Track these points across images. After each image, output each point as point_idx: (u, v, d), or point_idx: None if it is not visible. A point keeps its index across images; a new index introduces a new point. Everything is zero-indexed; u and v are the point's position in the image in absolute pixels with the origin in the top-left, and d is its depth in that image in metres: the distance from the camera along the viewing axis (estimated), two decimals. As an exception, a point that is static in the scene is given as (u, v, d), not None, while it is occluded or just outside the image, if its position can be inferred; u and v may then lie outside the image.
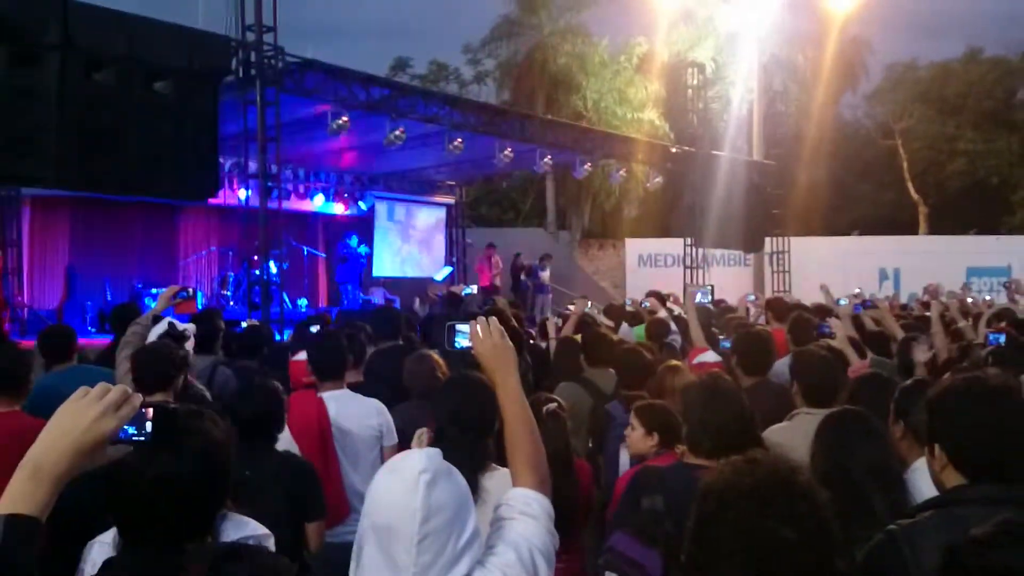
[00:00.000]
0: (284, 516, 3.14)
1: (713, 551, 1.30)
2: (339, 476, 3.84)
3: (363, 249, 16.04)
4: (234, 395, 3.46)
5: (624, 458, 3.98)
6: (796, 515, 1.29)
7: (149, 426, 1.51)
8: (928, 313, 6.79)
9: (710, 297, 7.72)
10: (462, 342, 2.15)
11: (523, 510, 1.83)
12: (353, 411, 4.05)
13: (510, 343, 2.07)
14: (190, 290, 4.90)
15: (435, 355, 4.36)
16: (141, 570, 1.65)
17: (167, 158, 7.75)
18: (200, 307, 11.97)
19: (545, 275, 16.78)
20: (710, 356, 5.18)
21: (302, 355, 4.51)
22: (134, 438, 1.50)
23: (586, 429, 4.71)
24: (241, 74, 9.47)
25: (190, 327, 4.45)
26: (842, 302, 6.94)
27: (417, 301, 15.66)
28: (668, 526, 2.29)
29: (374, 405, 4.11)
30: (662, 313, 7.24)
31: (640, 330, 6.86)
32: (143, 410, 1.51)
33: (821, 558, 1.29)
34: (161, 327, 4.23)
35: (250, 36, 9.56)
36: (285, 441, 3.50)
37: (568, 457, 3.35)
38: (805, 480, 1.36)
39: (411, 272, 17.56)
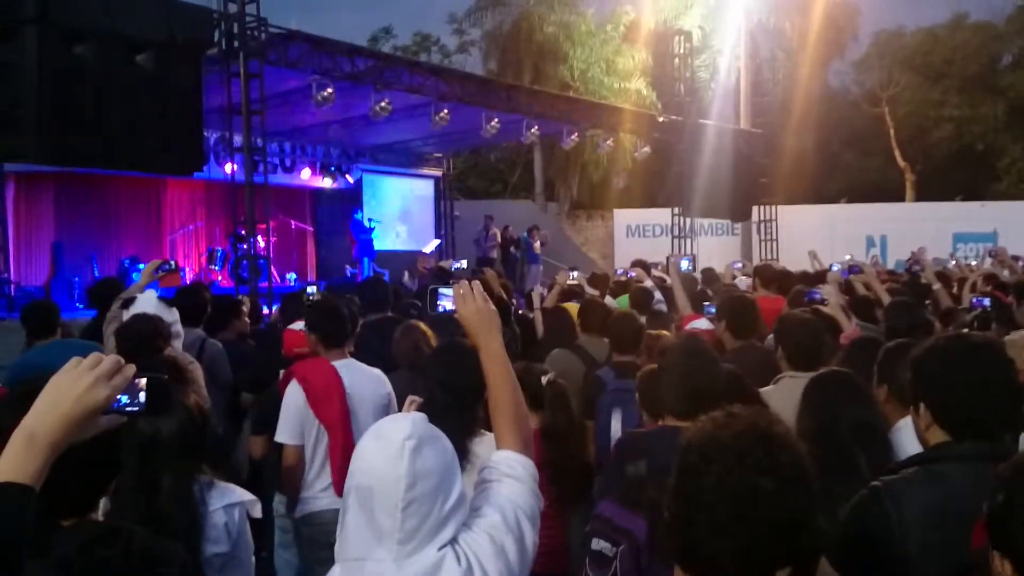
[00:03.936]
0: None
1: (693, 504, 1.32)
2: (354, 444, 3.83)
3: (374, 223, 15.87)
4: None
5: (616, 424, 4.00)
6: (774, 465, 1.30)
7: (142, 396, 1.50)
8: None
9: (692, 265, 7.80)
10: (445, 305, 2.15)
11: (507, 472, 1.84)
12: (364, 379, 4.01)
13: (493, 307, 2.07)
14: (172, 263, 4.89)
15: (422, 326, 4.33)
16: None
17: (150, 132, 7.66)
18: (187, 281, 11.96)
19: (536, 245, 16.77)
20: (702, 323, 5.19)
21: (296, 325, 4.49)
22: (127, 408, 1.48)
23: (579, 396, 4.75)
24: (224, 46, 9.35)
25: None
26: (835, 267, 6.97)
27: (406, 274, 15.61)
28: (651, 490, 2.30)
29: (379, 374, 4.10)
30: (648, 282, 7.24)
31: (624, 299, 6.86)
32: (136, 380, 1.49)
33: (799, 507, 1.30)
34: (148, 300, 4.22)
35: (232, 7, 9.43)
36: None
37: (583, 424, 3.32)
38: (783, 431, 1.38)
39: (399, 245, 17.51)
